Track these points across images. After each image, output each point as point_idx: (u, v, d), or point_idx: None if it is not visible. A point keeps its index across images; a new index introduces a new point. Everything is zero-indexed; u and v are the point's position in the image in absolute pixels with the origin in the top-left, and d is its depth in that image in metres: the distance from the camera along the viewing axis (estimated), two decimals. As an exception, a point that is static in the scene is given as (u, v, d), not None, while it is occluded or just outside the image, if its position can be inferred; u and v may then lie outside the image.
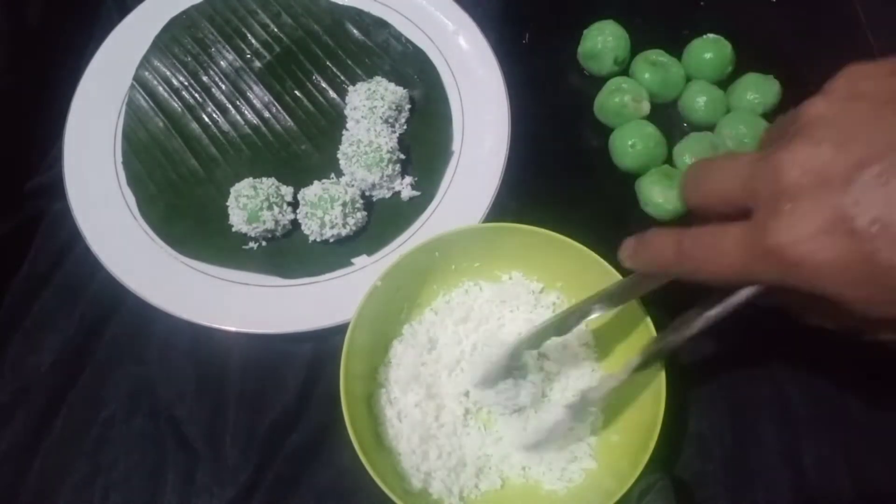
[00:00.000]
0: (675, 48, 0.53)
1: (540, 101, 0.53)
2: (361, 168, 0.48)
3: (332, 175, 0.50)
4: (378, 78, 0.52)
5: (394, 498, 0.36)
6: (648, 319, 0.39)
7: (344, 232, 0.47)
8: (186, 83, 0.55)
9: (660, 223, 0.48)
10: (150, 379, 0.46)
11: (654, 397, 0.38)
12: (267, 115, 0.54)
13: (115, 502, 0.43)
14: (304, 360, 0.46)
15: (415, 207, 0.50)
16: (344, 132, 0.51)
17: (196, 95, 0.54)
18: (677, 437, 0.42)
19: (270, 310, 0.46)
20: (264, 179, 0.48)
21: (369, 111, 0.50)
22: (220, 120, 0.53)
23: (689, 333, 0.34)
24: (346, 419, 0.37)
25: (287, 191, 0.49)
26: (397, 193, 0.50)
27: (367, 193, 0.50)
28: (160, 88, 0.54)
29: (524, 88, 0.52)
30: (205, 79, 0.55)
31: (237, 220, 0.47)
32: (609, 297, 0.37)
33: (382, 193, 0.50)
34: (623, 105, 0.50)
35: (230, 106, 0.54)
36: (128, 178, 0.51)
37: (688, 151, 0.49)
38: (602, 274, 0.40)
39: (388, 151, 0.48)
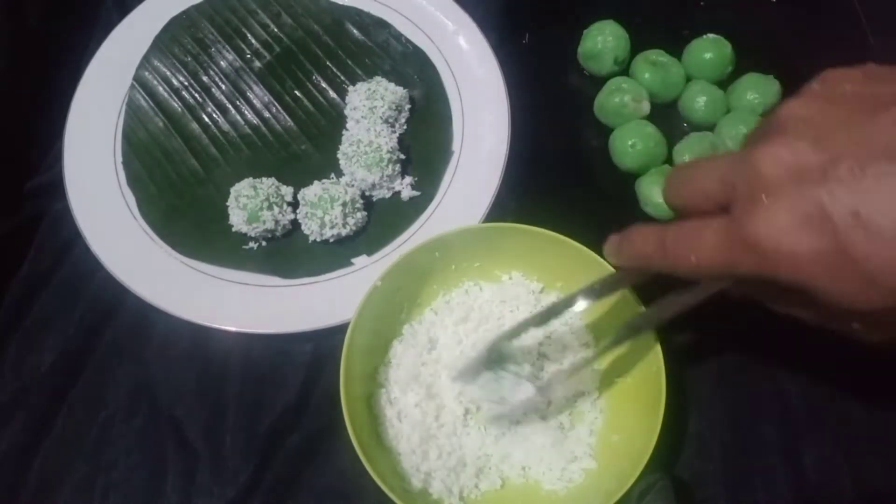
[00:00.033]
0: (675, 48, 0.53)
1: (540, 101, 0.53)
2: (361, 168, 0.48)
3: (332, 175, 0.50)
4: (378, 78, 0.52)
5: (394, 498, 0.36)
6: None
7: (344, 232, 0.47)
8: (186, 83, 0.55)
9: (660, 223, 0.48)
10: (150, 379, 0.46)
11: (654, 397, 0.38)
12: (267, 115, 0.54)
13: (115, 502, 0.43)
14: (304, 360, 0.46)
15: (415, 207, 0.50)
16: (344, 132, 0.51)
17: (196, 95, 0.54)
18: (677, 437, 0.42)
19: (270, 310, 0.46)
20: (264, 179, 0.48)
21: (369, 111, 0.50)
22: (220, 120, 0.53)
23: (662, 316, 0.36)
24: (346, 419, 0.37)
25: (287, 191, 0.49)
26: (397, 193, 0.50)
27: (367, 193, 0.50)
28: (160, 88, 0.54)
29: (524, 88, 0.52)
30: (205, 79, 0.55)
31: (237, 220, 0.47)
32: (590, 292, 0.38)
33: (382, 193, 0.50)
34: (623, 105, 0.50)
35: (230, 106, 0.54)
36: (128, 178, 0.51)
37: (688, 151, 0.49)
38: (602, 274, 0.40)
39: (388, 151, 0.48)
